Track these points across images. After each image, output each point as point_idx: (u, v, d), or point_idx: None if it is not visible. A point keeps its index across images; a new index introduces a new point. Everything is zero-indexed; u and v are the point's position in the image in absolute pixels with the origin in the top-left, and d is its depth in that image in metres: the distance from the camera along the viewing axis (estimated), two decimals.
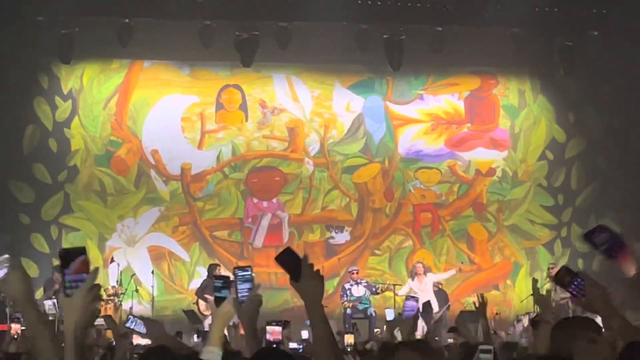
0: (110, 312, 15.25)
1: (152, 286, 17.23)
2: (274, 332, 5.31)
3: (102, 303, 15.99)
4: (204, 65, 19.08)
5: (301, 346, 11.25)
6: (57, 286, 16.75)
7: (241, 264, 18.52)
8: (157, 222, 18.65)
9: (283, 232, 18.95)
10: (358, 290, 16.35)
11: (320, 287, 3.07)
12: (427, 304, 16.12)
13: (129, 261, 18.07)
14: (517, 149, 19.67)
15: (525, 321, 15.21)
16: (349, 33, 18.09)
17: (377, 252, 19.08)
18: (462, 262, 18.12)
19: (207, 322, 14.86)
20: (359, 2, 17.68)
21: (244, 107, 19.18)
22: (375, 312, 16.22)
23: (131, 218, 18.56)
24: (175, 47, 18.44)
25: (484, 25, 17.97)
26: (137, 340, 10.39)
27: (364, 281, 16.71)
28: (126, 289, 16.61)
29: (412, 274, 17.00)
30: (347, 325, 15.31)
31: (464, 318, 14.82)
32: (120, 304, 16.26)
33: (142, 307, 17.07)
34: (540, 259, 19.26)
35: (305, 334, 13.37)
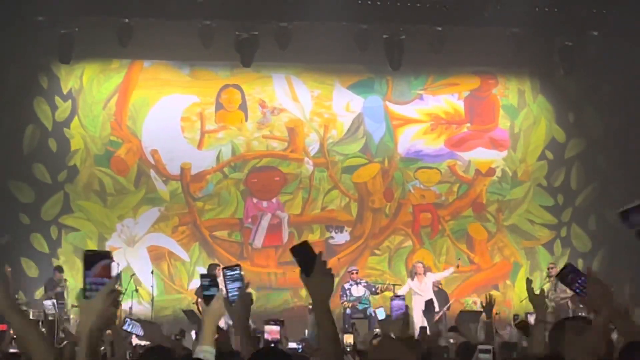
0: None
1: (152, 286, 17.22)
2: (272, 332, 5.30)
3: None
4: (204, 65, 19.08)
5: (300, 346, 11.25)
6: (59, 289, 16.77)
7: (244, 263, 18.53)
8: (156, 222, 18.65)
9: (283, 232, 18.94)
10: (358, 290, 16.34)
11: (330, 285, 3.07)
12: (429, 302, 16.15)
13: (128, 261, 18.07)
14: (516, 149, 19.67)
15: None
16: (348, 33, 18.08)
17: (377, 252, 19.08)
18: (459, 259, 18.13)
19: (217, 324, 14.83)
20: (359, 2, 17.67)
21: (243, 107, 19.17)
22: (374, 312, 16.20)
23: (131, 218, 18.55)
24: (175, 47, 18.45)
25: (483, 25, 17.96)
26: (137, 340, 10.39)
27: (363, 281, 16.70)
28: (126, 289, 16.60)
29: (412, 274, 16.99)
30: (346, 325, 15.30)
31: (464, 318, 14.84)
32: (120, 304, 16.24)
33: (141, 307, 17.08)
34: (540, 259, 19.27)
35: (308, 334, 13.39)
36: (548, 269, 17.52)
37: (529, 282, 5.40)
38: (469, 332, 8.95)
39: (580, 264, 18.40)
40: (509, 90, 19.88)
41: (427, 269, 17.20)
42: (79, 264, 18.04)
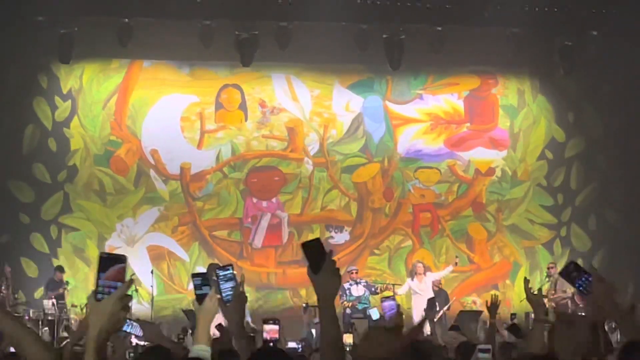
0: (88, 304, 15.22)
1: (152, 286, 17.22)
2: (271, 331, 5.29)
3: None
4: (204, 64, 19.08)
5: (300, 346, 11.25)
6: (60, 290, 16.76)
7: (244, 262, 18.55)
8: (156, 222, 18.65)
9: (282, 232, 18.95)
10: (357, 290, 16.34)
11: (337, 284, 3.07)
12: (431, 300, 16.18)
13: (128, 261, 18.03)
14: (516, 148, 19.67)
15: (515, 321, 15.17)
16: (348, 33, 18.08)
17: (377, 251, 19.08)
18: (456, 256, 18.13)
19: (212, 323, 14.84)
20: (359, 1, 17.67)
21: (243, 106, 19.17)
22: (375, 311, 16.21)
23: (130, 218, 18.56)
24: (175, 47, 18.45)
25: (483, 25, 17.97)
26: (136, 340, 10.39)
27: (363, 281, 16.70)
28: None
29: (412, 274, 16.99)
30: (346, 325, 15.30)
31: (464, 318, 14.85)
32: (130, 309, 16.22)
33: (141, 307, 17.07)
34: (539, 258, 19.27)
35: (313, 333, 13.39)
36: (548, 268, 17.53)
37: (526, 281, 5.41)
38: (470, 331, 8.96)
39: (580, 264, 18.38)
40: (509, 90, 19.88)
41: (427, 269, 17.21)
42: (79, 264, 18.11)
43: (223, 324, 4.80)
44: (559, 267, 17.70)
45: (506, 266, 19.38)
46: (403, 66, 18.58)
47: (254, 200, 19.01)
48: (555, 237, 19.47)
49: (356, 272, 16.71)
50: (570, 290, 16.85)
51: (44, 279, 17.45)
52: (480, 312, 16.43)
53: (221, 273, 3.81)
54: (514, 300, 18.53)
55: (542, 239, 19.48)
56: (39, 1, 17.13)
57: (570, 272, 3.88)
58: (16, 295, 16.86)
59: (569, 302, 16.39)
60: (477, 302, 18.74)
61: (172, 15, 17.58)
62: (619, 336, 13.02)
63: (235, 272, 3.90)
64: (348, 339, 10.80)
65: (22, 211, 18.15)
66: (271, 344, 5.12)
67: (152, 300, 17.11)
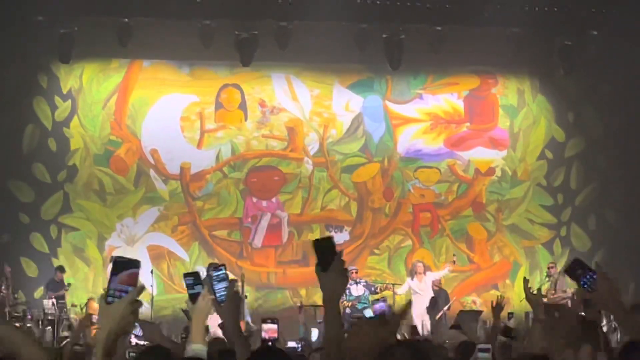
0: (98, 306, 15.23)
1: (152, 286, 17.19)
2: (269, 330, 5.29)
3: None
4: (204, 64, 19.08)
5: (299, 345, 11.25)
6: (62, 291, 16.77)
7: (244, 262, 18.55)
8: (156, 222, 18.65)
9: (282, 231, 18.95)
10: (357, 290, 16.34)
11: (344, 284, 3.08)
12: (433, 299, 16.21)
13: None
14: (516, 148, 19.67)
15: (512, 322, 15.18)
16: (348, 33, 18.09)
17: (377, 251, 19.08)
18: (454, 255, 18.12)
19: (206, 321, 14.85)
20: (359, 1, 17.67)
21: (243, 106, 19.17)
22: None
23: (130, 217, 18.56)
24: (175, 47, 18.44)
25: (483, 24, 17.97)
26: (136, 339, 10.39)
27: (363, 281, 16.70)
28: None
29: (412, 273, 16.99)
30: (345, 325, 15.29)
31: (464, 318, 14.85)
32: (138, 314, 16.18)
33: (141, 307, 17.05)
34: (539, 258, 19.28)
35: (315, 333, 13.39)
36: (548, 268, 17.53)
37: (526, 281, 5.40)
38: (471, 331, 8.96)
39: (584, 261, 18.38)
40: (509, 89, 19.88)
41: (427, 268, 17.22)
42: (79, 263, 18.12)
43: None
44: (559, 267, 17.76)
45: (506, 266, 19.38)
46: (403, 66, 18.58)
47: (254, 200, 19.01)
48: (555, 237, 19.47)
49: (356, 272, 16.71)
50: (570, 290, 16.85)
51: (43, 278, 17.45)
52: (480, 312, 16.45)
53: (214, 274, 3.81)
54: (514, 300, 18.51)
55: (542, 238, 19.49)
56: (38, 1, 17.12)
57: (575, 270, 3.86)
58: (16, 295, 16.86)
59: (569, 302, 16.37)
60: (477, 301, 18.75)
61: (172, 15, 17.58)
62: (619, 336, 13.03)
63: (228, 272, 3.90)
64: None
65: (22, 211, 18.15)
66: (270, 343, 5.12)
67: (152, 300, 17.10)
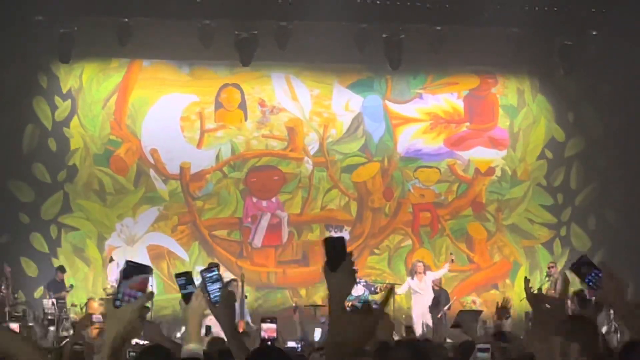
0: (107, 308, 15.22)
1: (151, 285, 17.13)
2: (268, 330, 5.28)
3: (102, 302, 16.01)
4: (203, 64, 19.08)
5: (299, 345, 11.25)
6: (63, 293, 16.77)
7: (244, 262, 18.56)
8: (156, 222, 18.65)
9: (282, 231, 18.94)
10: (357, 290, 16.32)
11: (351, 285, 3.08)
12: (436, 299, 16.23)
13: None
14: (516, 148, 19.66)
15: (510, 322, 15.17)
16: (348, 32, 18.08)
17: (376, 251, 19.07)
18: (451, 254, 18.12)
19: (206, 321, 14.86)
20: (358, 1, 17.67)
21: (243, 106, 19.17)
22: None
23: (130, 217, 18.56)
24: (175, 47, 18.44)
25: (483, 24, 17.96)
26: (135, 339, 10.35)
27: (362, 280, 16.70)
28: None
29: (412, 273, 17.00)
30: None
31: (464, 318, 14.85)
32: (145, 320, 16.18)
33: None
34: (539, 258, 19.27)
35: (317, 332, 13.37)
36: (548, 268, 17.53)
37: (526, 281, 5.39)
38: (472, 330, 8.96)
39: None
40: (509, 89, 19.87)
41: (427, 268, 17.22)
42: (79, 263, 18.12)
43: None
44: (559, 267, 17.77)
45: (506, 266, 19.37)
46: (403, 66, 18.58)
47: (254, 199, 19.01)
48: (555, 237, 19.46)
49: (355, 272, 16.68)
50: (570, 290, 16.84)
51: (43, 278, 17.45)
52: (480, 311, 16.47)
53: (207, 275, 3.81)
54: (514, 300, 18.52)
55: (542, 238, 19.48)
56: (38, 1, 17.12)
57: (581, 267, 3.84)
58: (16, 295, 16.86)
59: (569, 302, 16.36)
60: (476, 301, 18.75)
61: (172, 14, 17.58)
62: (619, 336, 13.02)
63: (220, 272, 3.91)
64: None
65: (22, 211, 18.15)
66: (269, 342, 5.11)
67: (151, 300, 17.10)
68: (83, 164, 18.57)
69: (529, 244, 19.43)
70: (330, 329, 2.85)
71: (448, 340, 12.30)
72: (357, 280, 16.46)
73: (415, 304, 16.60)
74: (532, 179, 19.62)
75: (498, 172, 19.56)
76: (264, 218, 18.95)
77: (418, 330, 15.81)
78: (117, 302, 2.73)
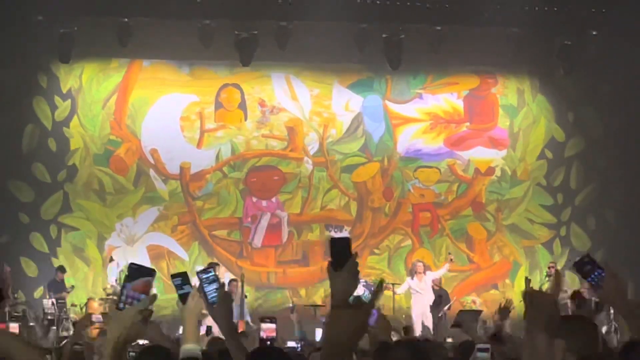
0: (109, 310, 15.24)
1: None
2: (268, 330, 5.26)
3: (102, 302, 16.01)
4: (203, 64, 19.08)
5: (299, 345, 11.23)
6: (64, 294, 16.76)
7: (244, 262, 18.55)
8: (156, 222, 18.65)
9: (282, 231, 18.94)
10: (357, 290, 16.32)
11: (354, 286, 3.08)
12: (439, 298, 16.22)
13: (128, 260, 18.03)
14: (516, 148, 19.66)
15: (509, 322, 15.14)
16: (348, 32, 18.08)
17: (376, 251, 19.07)
18: (449, 253, 18.11)
19: (206, 321, 14.84)
20: (358, 1, 17.67)
21: (243, 106, 19.17)
22: (374, 311, 16.20)
23: (130, 217, 18.55)
24: (175, 47, 18.44)
25: (483, 24, 17.96)
26: None
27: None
28: None
29: (412, 273, 16.99)
30: None
31: (463, 318, 14.83)
32: (148, 323, 16.17)
33: None
34: (539, 258, 19.27)
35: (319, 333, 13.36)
36: (548, 267, 17.52)
37: (527, 281, 5.38)
38: (472, 329, 8.95)
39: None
40: (508, 89, 19.87)
41: (427, 268, 17.22)
42: (79, 263, 18.11)
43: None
44: (560, 267, 17.76)
45: (506, 266, 19.37)
46: (402, 66, 18.58)
47: (254, 199, 19.01)
48: (555, 237, 19.46)
49: (359, 273, 16.68)
50: (570, 290, 16.83)
51: (43, 278, 17.44)
52: (480, 311, 16.46)
53: (203, 276, 3.81)
54: (514, 301, 18.51)
55: (542, 238, 19.48)
56: (38, 1, 17.12)
57: (584, 266, 3.83)
58: (16, 295, 16.85)
59: (569, 301, 16.35)
60: (476, 301, 18.75)
61: (172, 14, 17.58)
62: (619, 336, 13.02)
63: (217, 273, 3.91)
64: None
65: (21, 211, 18.15)
66: (268, 342, 5.09)
67: None
68: (83, 163, 18.56)
69: (529, 244, 19.43)
70: (327, 327, 2.85)
71: (448, 340, 12.30)
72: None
73: (415, 303, 16.59)
74: (532, 178, 19.62)
75: (498, 172, 19.56)
76: (264, 218, 18.95)
77: (418, 330, 15.81)
78: (121, 305, 2.73)
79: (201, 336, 13.05)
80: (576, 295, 15.50)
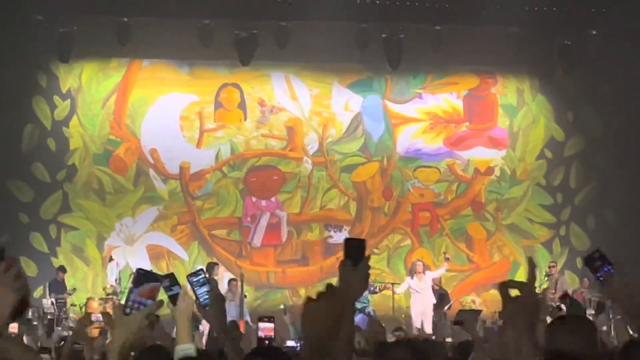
0: (109, 310, 15.24)
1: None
2: (265, 329, 5.26)
3: (102, 302, 16.01)
4: (203, 64, 19.07)
5: (299, 345, 11.23)
6: (66, 295, 16.75)
7: (243, 262, 18.55)
8: (155, 221, 18.65)
9: (282, 231, 18.94)
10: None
11: (364, 288, 3.08)
12: (442, 297, 16.24)
13: (127, 260, 18.05)
14: (515, 147, 19.67)
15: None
16: (347, 32, 18.08)
17: (376, 251, 19.05)
18: (444, 252, 18.10)
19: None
20: (358, 1, 17.67)
21: (242, 106, 19.17)
22: (373, 311, 16.22)
23: (130, 217, 18.55)
24: (174, 46, 18.44)
25: (482, 24, 17.96)
26: None
27: None
28: (125, 288, 16.59)
29: (412, 272, 16.98)
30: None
31: (463, 317, 14.84)
32: (120, 303, 16.21)
33: None
34: (539, 257, 19.24)
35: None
36: (549, 267, 17.51)
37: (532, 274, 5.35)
38: (473, 329, 8.96)
39: (579, 263, 18.43)
40: (508, 89, 19.88)
41: (426, 267, 17.21)
42: (78, 263, 18.10)
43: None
44: (559, 266, 17.76)
45: (505, 265, 19.37)
46: (402, 65, 18.58)
47: (253, 199, 19.00)
48: (554, 237, 19.46)
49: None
50: (570, 289, 16.85)
51: (43, 278, 17.42)
52: (480, 311, 16.45)
53: (193, 279, 3.82)
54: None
55: (542, 238, 19.48)
56: (38, 0, 17.11)
57: (594, 261, 3.80)
58: None
59: (558, 302, 16.36)
60: (476, 301, 18.74)
61: (172, 14, 17.57)
62: (616, 336, 13.02)
63: (207, 276, 3.91)
64: None
65: (21, 210, 18.14)
66: (266, 342, 5.09)
67: None
68: (82, 163, 18.56)
69: (529, 244, 19.43)
70: (303, 319, 2.84)
71: (448, 340, 12.31)
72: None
73: (415, 303, 16.58)
74: (532, 178, 19.62)
75: (497, 172, 19.56)
76: (264, 217, 18.95)
77: (418, 330, 15.83)
78: (127, 310, 2.73)
79: (199, 334, 13.06)
80: (565, 297, 15.53)
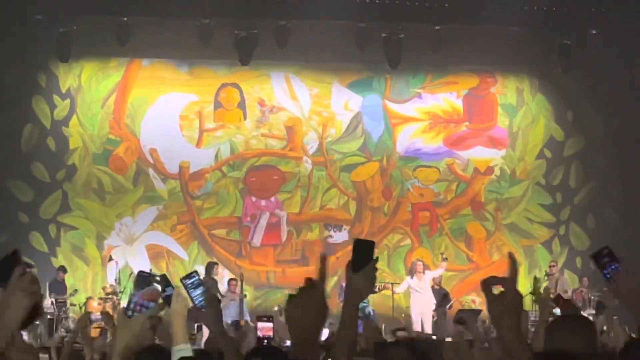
0: (109, 310, 15.25)
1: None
2: (264, 329, 5.26)
3: (101, 302, 16.01)
4: (203, 63, 19.07)
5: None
6: (66, 296, 16.75)
7: (243, 261, 18.55)
8: (155, 221, 18.65)
9: (281, 230, 18.94)
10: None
11: (370, 290, 3.08)
12: (445, 296, 16.24)
13: (127, 260, 18.06)
14: (515, 147, 19.67)
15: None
16: (347, 31, 18.08)
17: (375, 250, 19.04)
18: (441, 253, 18.10)
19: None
20: (358, 0, 17.66)
21: (242, 105, 19.17)
22: (373, 310, 16.23)
23: (129, 217, 18.55)
24: (174, 46, 18.44)
25: (482, 23, 17.96)
26: None
27: None
28: (124, 288, 16.60)
29: (412, 272, 16.99)
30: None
31: (463, 317, 14.83)
32: (119, 303, 16.25)
33: None
34: (538, 257, 19.27)
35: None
36: (549, 267, 17.52)
37: (537, 281, 5.36)
38: (474, 329, 8.95)
39: (578, 263, 18.44)
40: (508, 88, 19.88)
41: (426, 267, 17.21)
42: (78, 263, 18.10)
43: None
44: (559, 266, 17.76)
45: (505, 265, 19.15)
46: (402, 65, 18.58)
47: (253, 199, 19.00)
48: (554, 236, 19.46)
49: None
50: (570, 289, 16.85)
51: (43, 278, 17.41)
52: (479, 311, 16.44)
53: (187, 282, 3.82)
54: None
55: (541, 237, 19.48)
56: (38, 0, 17.11)
57: (603, 257, 3.80)
58: None
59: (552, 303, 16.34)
60: (476, 301, 18.72)
61: (171, 14, 17.57)
62: (613, 336, 13.00)
63: (201, 278, 3.92)
64: None
65: (21, 210, 18.14)
66: (265, 341, 5.08)
67: None
68: (82, 163, 18.56)
69: (528, 243, 19.43)
70: (287, 314, 2.85)
71: (447, 339, 12.30)
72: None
73: (415, 302, 16.58)
74: (531, 178, 19.62)
75: (497, 172, 19.56)
76: (263, 217, 18.95)
77: (417, 329, 15.82)
78: (129, 313, 2.73)
79: (197, 334, 13.06)
80: (558, 298, 15.52)
